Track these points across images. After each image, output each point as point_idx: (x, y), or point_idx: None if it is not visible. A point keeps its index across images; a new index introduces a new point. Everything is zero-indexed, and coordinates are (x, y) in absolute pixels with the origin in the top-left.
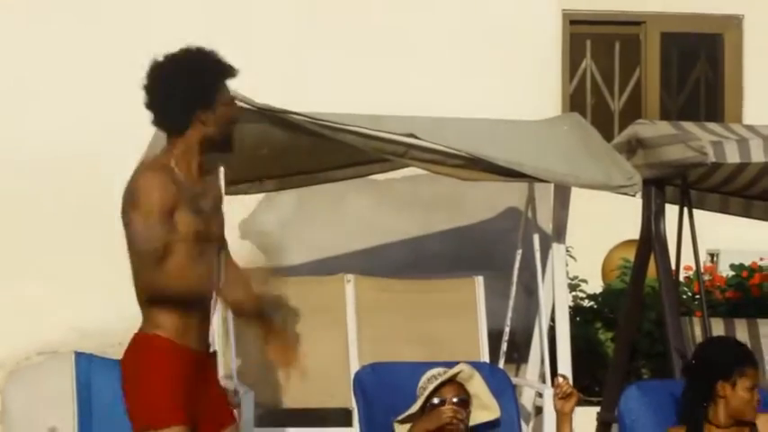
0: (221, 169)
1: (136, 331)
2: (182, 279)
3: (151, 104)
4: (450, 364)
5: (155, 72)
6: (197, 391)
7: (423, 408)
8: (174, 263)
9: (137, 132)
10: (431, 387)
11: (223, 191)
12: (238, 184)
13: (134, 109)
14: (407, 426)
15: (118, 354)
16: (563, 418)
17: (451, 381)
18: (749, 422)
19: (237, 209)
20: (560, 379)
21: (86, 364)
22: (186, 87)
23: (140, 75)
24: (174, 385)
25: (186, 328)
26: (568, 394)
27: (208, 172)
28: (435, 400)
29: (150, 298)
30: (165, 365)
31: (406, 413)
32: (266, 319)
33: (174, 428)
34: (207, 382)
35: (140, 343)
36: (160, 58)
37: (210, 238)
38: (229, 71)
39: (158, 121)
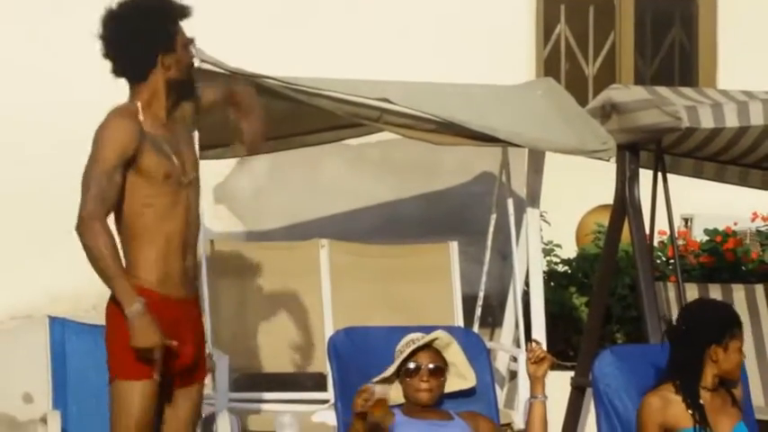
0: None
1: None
2: (159, 223)
3: (110, 53)
4: (427, 329)
5: (111, 19)
6: (177, 337)
7: (398, 371)
8: (150, 209)
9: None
10: (407, 351)
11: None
12: (211, 149)
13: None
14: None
15: (91, 318)
16: (536, 382)
17: (428, 347)
18: (735, 381)
19: (211, 174)
20: (533, 344)
21: (60, 328)
22: (146, 30)
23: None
24: (147, 337)
25: (167, 275)
26: (541, 358)
27: (177, 116)
28: (411, 365)
29: (129, 243)
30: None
31: (381, 376)
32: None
33: (137, 383)
34: (191, 328)
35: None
36: (114, 6)
37: (183, 181)
38: (184, 12)
39: (120, 69)
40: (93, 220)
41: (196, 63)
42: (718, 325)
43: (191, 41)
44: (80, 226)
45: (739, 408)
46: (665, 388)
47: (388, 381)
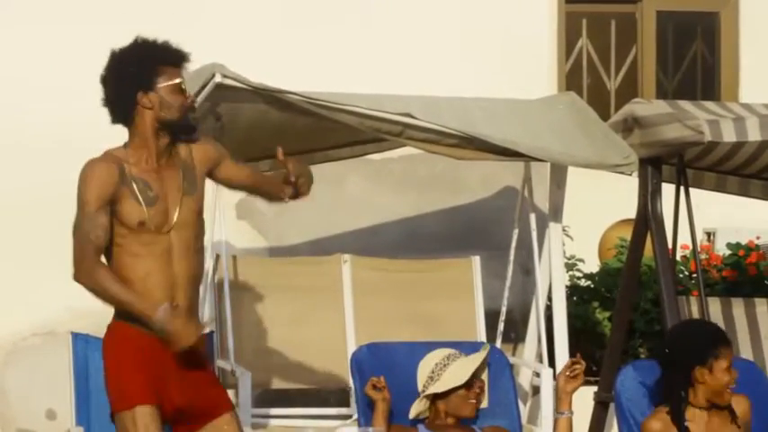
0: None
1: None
2: (131, 263)
3: (103, 101)
4: (451, 345)
5: (104, 68)
6: (164, 380)
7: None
8: (120, 249)
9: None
10: (473, 365)
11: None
12: None
13: None
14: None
15: None
16: (564, 397)
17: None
18: (725, 403)
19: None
20: (578, 357)
21: (83, 344)
22: (120, 74)
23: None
24: (136, 368)
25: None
26: (576, 375)
27: (175, 159)
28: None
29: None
30: (128, 351)
31: (431, 391)
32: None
33: (139, 409)
34: (192, 368)
35: (110, 330)
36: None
37: (163, 229)
38: (167, 55)
39: (110, 113)
40: (82, 263)
41: (217, 79)
42: (698, 346)
43: (179, 86)
44: (76, 275)
45: (738, 425)
46: (661, 409)
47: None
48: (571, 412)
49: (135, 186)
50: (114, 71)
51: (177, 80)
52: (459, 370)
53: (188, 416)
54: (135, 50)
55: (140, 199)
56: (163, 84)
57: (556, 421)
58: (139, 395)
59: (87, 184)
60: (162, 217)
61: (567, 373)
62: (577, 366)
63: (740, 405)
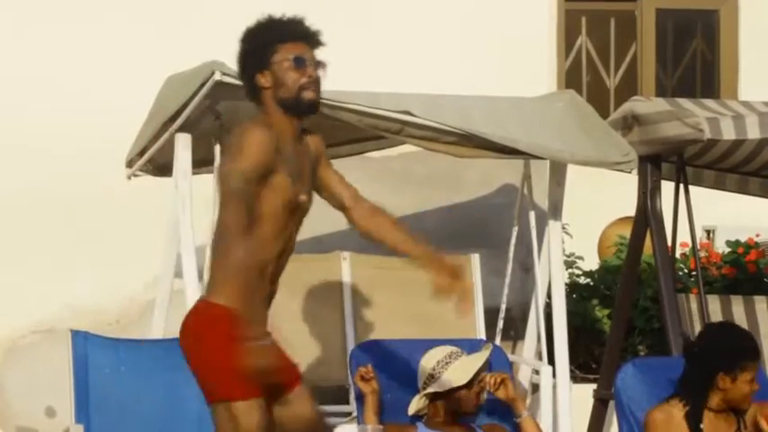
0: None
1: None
2: (262, 253)
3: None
4: (451, 342)
5: None
6: None
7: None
8: (259, 235)
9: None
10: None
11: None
12: None
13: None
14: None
15: (114, 331)
16: (512, 404)
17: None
18: (743, 410)
19: None
20: (488, 376)
21: (83, 342)
22: (242, 53)
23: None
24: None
25: (252, 302)
26: (500, 382)
27: (300, 138)
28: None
29: (227, 265)
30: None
31: (431, 390)
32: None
33: (253, 401)
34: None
35: (206, 312)
36: None
37: (295, 211)
38: (284, 31)
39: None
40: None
41: (217, 77)
42: (730, 354)
43: (295, 62)
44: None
45: None
46: (673, 402)
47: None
48: (528, 412)
49: (284, 159)
50: (239, 52)
51: (290, 56)
52: (461, 370)
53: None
54: (254, 29)
55: (291, 173)
56: (277, 61)
57: (520, 425)
58: (253, 387)
59: (253, 143)
60: (298, 196)
61: (493, 389)
62: (490, 380)
63: (752, 413)
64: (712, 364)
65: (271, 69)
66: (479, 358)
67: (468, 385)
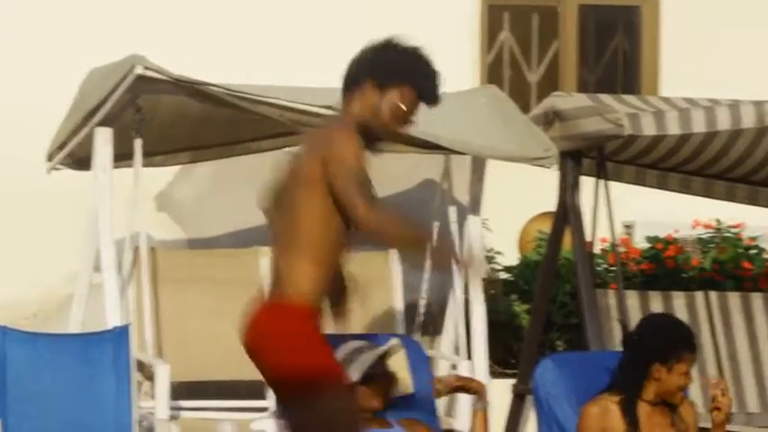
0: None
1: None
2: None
3: None
4: (368, 337)
5: None
6: None
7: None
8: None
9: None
10: (368, 359)
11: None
12: (153, 156)
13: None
14: None
15: (32, 326)
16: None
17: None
18: (674, 404)
19: (154, 182)
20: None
21: (0, 336)
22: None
23: None
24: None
25: (321, 297)
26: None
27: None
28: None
29: (312, 258)
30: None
31: None
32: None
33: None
34: None
35: (287, 310)
36: None
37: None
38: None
39: None
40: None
41: (138, 71)
42: (667, 344)
43: (397, 108)
44: (371, 225)
45: (678, 429)
46: (608, 395)
47: None
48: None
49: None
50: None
51: (398, 104)
52: (356, 368)
53: None
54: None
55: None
56: (392, 98)
57: (476, 413)
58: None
59: (357, 150)
60: None
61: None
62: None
63: (688, 411)
64: (649, 354)
65: (387, 93)
66: (372, 356)
67: (365, 382)
